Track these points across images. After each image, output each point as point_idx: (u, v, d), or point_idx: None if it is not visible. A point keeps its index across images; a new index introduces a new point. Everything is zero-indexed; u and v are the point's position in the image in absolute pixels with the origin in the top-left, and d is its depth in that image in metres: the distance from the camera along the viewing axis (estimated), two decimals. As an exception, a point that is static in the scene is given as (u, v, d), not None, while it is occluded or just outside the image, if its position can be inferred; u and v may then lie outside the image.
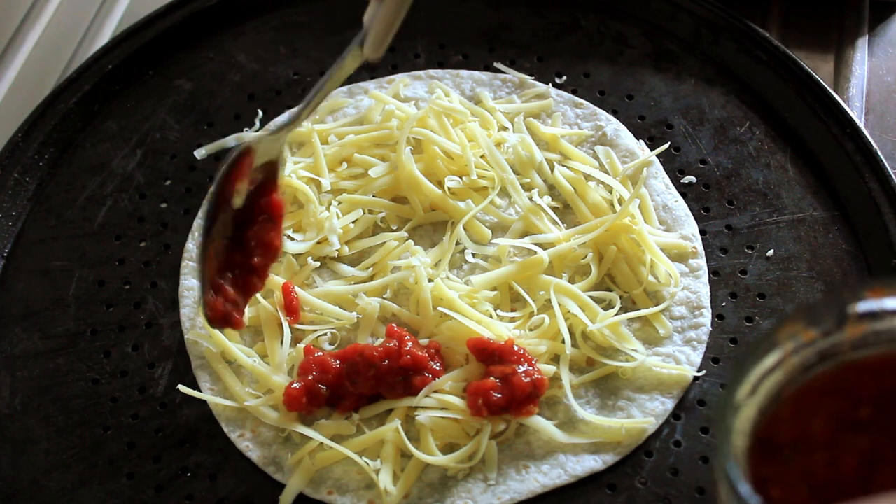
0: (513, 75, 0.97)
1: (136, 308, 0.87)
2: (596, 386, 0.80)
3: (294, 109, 0.81)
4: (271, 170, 0.78)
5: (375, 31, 0.73)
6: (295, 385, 0.77)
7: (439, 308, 0.81)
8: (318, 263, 0.86)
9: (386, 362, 0.77)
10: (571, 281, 0.83)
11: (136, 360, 0.84)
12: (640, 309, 0.82)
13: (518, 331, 0.80)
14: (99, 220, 0.92)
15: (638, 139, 0.93)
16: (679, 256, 0.86)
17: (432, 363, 0.78)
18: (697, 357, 0.80)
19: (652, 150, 0.92)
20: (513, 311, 0.83)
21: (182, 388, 0.80)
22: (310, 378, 0.78)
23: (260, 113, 0.97)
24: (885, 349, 0.48)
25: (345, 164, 0.91)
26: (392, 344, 0.78)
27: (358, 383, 0.77)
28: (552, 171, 0.90)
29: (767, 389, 0.48)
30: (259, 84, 1.00)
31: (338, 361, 0.78)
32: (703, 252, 0.86)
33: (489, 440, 0.76)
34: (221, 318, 0.75)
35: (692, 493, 0.75)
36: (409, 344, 0.78)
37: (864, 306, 0.47)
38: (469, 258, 0.86)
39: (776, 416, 0.48)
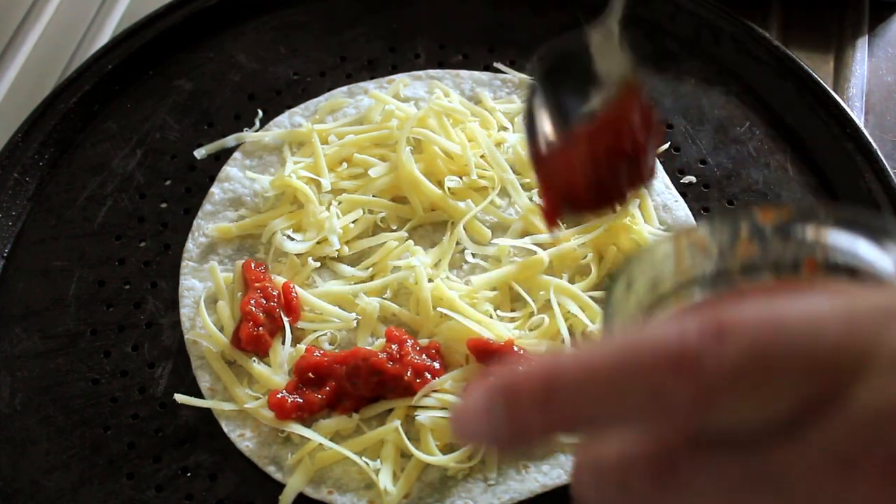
0: (513, 75, 0.97)
1: (136, 308, 0.87)
2: (596, 386, 0.80)
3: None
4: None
5: None
6: (280, 394, 0.77)
7: (439, 308, 0.81)
8: (318, 263, 0.86)
9: (391, 364, 0.77)
10: (571, 281, 0.83)
11: (136, 360, 0.84)
12: (640, 309, 0.82)
13: (518, 331, 0.80)
14: (99, 220, 0.92)
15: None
16: (679, 256, 0.85)
17: (433, 363, 0.78)
18: (697, 357, 0.80)
19: (652, 150, 0.92)
20: (513, 311, 0.83)
21: (179, 396, 0.80)
22: (301, 388, 0.78)
23: (260, 113, 0.97)
24: (771, 279, 0.48)
25: (345, 164, 0.91)
26: (393, 348, 0.78)
27: (358, 385, 0.77)
28: (552, 171, 0.90)
29: (657, 294, 0.48)
30: (259, 84, 1.00)
31: (338, 365, 0.78)
32: (703, 252, 0.86)
33: (488, 450, 0.76)
34: (252, 343, 0.80)
35: (692, 493, 0.75)
36: (410, 347, 0.78)
37: (755, 226, 0.47)
38: (469, 258, 0.86)
39: None
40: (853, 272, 0.45)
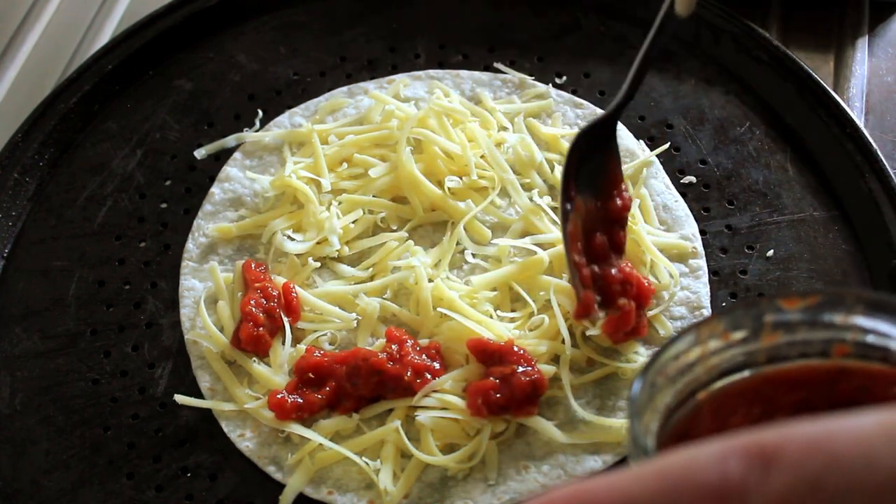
0: (513, 75, 0.97)
1: (136, 308, 0.87)
2: (596, 386, 0.80)
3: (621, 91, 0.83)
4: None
5: None
6: (280, 395, 0.77)
7: (439, 308, 0.81)
8: (318, 264, 0.86)
9: (391, 364, 0.77)
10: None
11: (136, 360, 0.84)
12: (640, 309, 0.82)
13: (518, 331, 0.80)
14: (99, 220, 0.92)
15: (638, 139, 0.93)
16: (679, 256, 0.86)
17: (433, 363, 0.78)
18: (697, 357, 0.80)
19: (652, 150, 0.92)
20: (513, 311, 0.83)
21: (179, 397, 0.80)
22: (301, 389, 0.78)
23: (260, 113, 0.97)
24: (799, 363, 0.48)
25: (345, 165, 0.91)
26: (393, 348, 0.78)
27: (358, 385, 0.77)
28: (552, 171, 0.90)
29: (685, 382, 0.48)
30: (259, 84, 1.00)
31: (338, 365, 0.78)
32: (703, 252, 0.86)
33: (489, 440, 0.76)
34: (252, 343, 0.80)
35: (692, 494, 0.75)
36: (410, 347, 0.78)
37: (779, 315, 0.47)
38: (469, 258, 0.86)
39: (695, 415, 0.48)
40: (885, 353, 0.45)
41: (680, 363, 0.47)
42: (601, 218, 0.81)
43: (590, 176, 0.81)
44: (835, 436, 0.32)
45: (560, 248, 0.84)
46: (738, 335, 0.47)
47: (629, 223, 0.84)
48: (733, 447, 0.32)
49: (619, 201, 0.82)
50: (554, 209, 0.88)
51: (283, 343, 0.81)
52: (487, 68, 1.00)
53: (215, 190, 0.92)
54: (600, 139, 0.82)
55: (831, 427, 0.32)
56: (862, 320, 0.45)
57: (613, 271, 0.79)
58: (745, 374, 0.48)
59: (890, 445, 0.31)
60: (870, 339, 0.46)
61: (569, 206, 0.80)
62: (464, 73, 0.98)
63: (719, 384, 0.49)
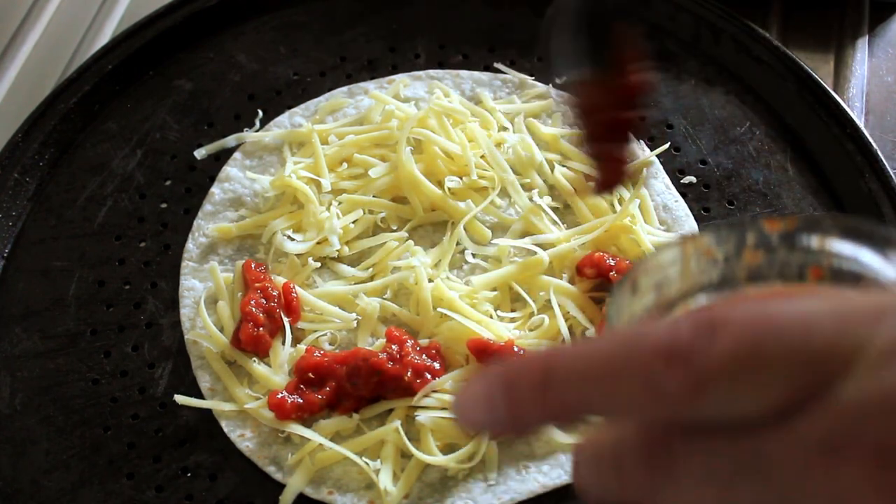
0: (513, 75, 0.97)
1: (136, 308, 0.87)
2: (596, 386, 0.80)
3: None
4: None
5: None
6: (280, 395, 0.77)
7: (439, 308, 0.81)
8: (318, 264, 0.86)
9: (391, 364, 0.77)
10: (571, 281, 0.83)
11: (136, 360, 0.84)
12: (640, 309, 0.82)
13: (518, 331, 0.80)
14: (99, 220, 0.92)
15: (638, 139, 0.93)
16: (679, 256, 0.85)
17: (433, 363, 0.78)
18: (697, 357, 0.80)
19: (652, 150, 0.92)
20: (513, 311, 0.83)
21: (179, 397, 0.80)
22: (301, 389, 0.78)
23: (260, 113, 0.97)
24: (776, 285, 0.49)
25: (345, 165, 0.91)
26: (393, 348, 0.78)
27: (358, 385, 0.77)
28: (552, 171, 0.90)
29: (665, 294, 0.49)
30: (259, 84, 1.00)
31: (338, 365, 0.78)
32: (703, 252, 0.86)
33: (489, 440, 0.76)
34: (252, 343, 0.80)
35: (692, 494, 0.75)
36: (410, 348, 0.78)
37: (761, 237, 0.48)
38: (469, 258, 0.86)
39: None
40: (857, 280, 0.46)
41: (663, 274, 0.48)
42: (611, 95, 0.73)
43: (600, 43, 0.72)
44: (781, 309, 0.35)
45: (560, 248, 0.84)
46: (721, 252, 0.48)
47: (629, 223, 0.84)
48: (685, 317, 0.36)
49: (633, 78, 0.72)
50: (555, 209, 0.88)
51: (283, 343, 0.81)
52: (487, 68, 1.00)
53: (215, 190, 0.92)
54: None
55: (780, 304, 0.36)
56: (837, 244, 0.46)
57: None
58: (725, 292, 0.49)
59: (830, 317, 0.34)
60: (844, 264, 0.47)
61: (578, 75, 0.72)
62: (464, 73, 0.98)
63: (699, 299, 0.49)
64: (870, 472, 0.32)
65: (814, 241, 0.46)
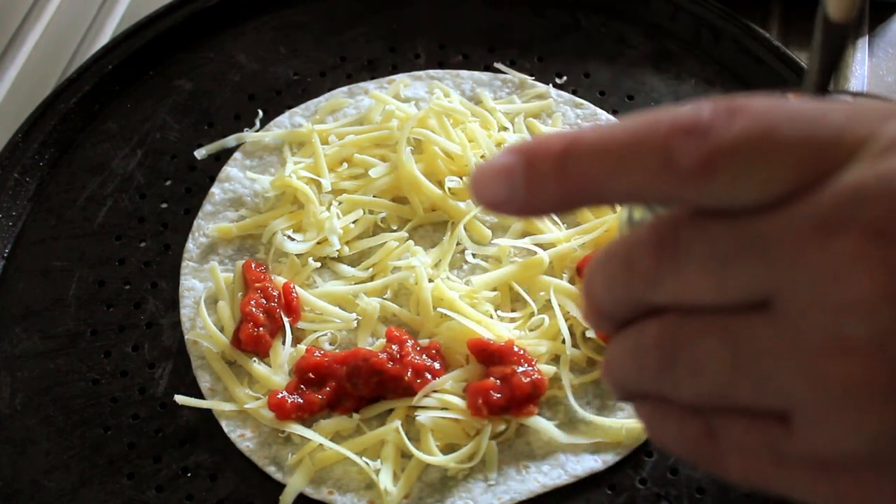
0: (513, 75, 0.97)
1: (136, 308, 0.87)
2: (596, 386, 0.80)
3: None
4: None
5: None
6: (280, 395, 0.77)
7: (439, 308, 0.81)
8: (318, 264, 0.86)
9: (391, 364, 0.77)
10: (571, 281, 0.83)
11: (136, 361, 0.84)
12: (640, 309, 0.82)
13: (518, 331, 0.80)
14: (99, 220, 0.92)
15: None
16: (679, 257, 0.86)
17: (433, 363, 0.78)
18: (697, 357, 0.80)
19: (652, 150, 0.92)
20: (513, 311, 0.83)
21: (179, 398, 0.80)
22: (301, 389, 0.78)
23: (260, 113, 0.97)
24: None
25: (345, 165, 0.91)
26: (393, 348, 0.78)
27: (358, 385, 0.77)
28: (552, 171, 0.90)
29: None
30: (259, 84, 1.00)
31: (338, 366, 0.78)
32: (704, 252, 0.86)
33: (489, 440, 0.76)
34: (252, 343, 0.79)
35: (692, 493, 0.75)
36: (411, 348, 0.78)
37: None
38: (469, 258, 0.86)
39: None
40: None
41: None
42: None
43: None
44: (797, 103, 0.37)
45: (560, 248, 0.84)
46: None
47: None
48: (707, 101, 0.37)
49: None
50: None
51: (284, 343, 0.81)
52: (487, 68, 1.00)
53: (215, 190, 0.92)
54: None
55: (797, 101, 0.37)
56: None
57: None
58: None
59: (844, 112, 0.36)
60: None
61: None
62: (464, 73, 0.98)
63: None
64: (863, 247, 0.33)
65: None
